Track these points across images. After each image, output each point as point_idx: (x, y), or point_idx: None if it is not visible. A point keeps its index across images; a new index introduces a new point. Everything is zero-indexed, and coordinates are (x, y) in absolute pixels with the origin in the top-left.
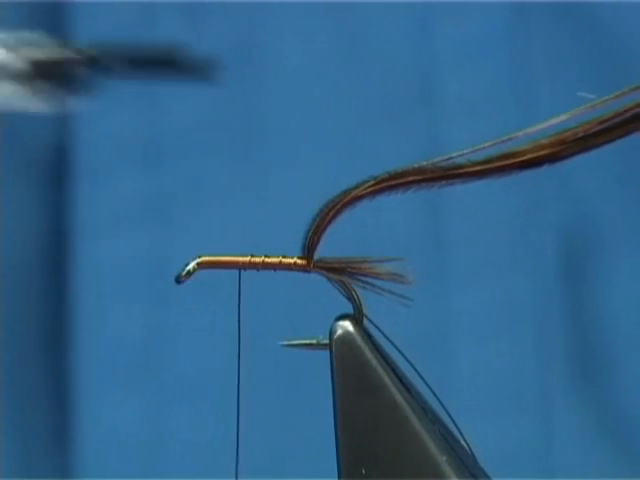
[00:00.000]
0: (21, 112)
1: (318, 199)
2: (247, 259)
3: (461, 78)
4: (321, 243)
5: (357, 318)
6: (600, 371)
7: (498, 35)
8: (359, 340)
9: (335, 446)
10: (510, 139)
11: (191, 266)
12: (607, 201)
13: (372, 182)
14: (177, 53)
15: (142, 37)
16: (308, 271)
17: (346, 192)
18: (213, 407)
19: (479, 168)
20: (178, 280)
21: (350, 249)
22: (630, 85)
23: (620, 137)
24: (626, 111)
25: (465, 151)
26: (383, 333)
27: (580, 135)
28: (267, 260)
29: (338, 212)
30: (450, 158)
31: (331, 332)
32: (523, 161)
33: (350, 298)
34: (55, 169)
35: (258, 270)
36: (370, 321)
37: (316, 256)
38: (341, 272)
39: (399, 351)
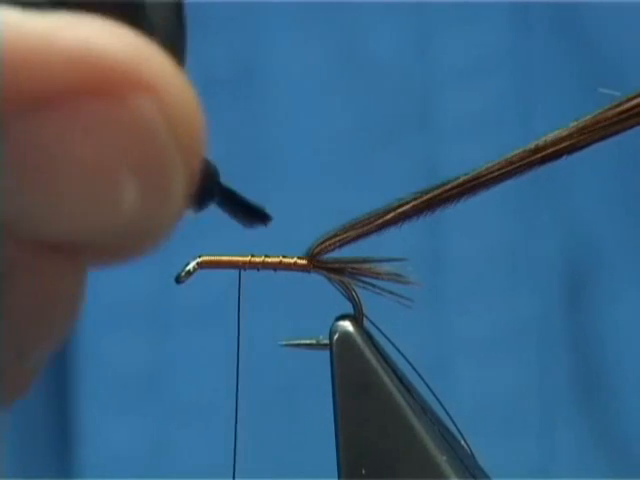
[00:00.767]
0: None
1: (314, 219)
2: (247, 259)
3: (461, 98)
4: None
5: (357, 318)
6: (603, 393)
7: (498, 55)
8: (359, 340)
9: (335, 446)
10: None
11: (191, 266)
12: (610, 222)
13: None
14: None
15: None
16: (308, 271)
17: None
18: (215, 431)
19: (501, 172)
20: (178, 280)
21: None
22: None
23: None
24: None
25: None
26: (383, 333)
27: (600, 124)
28: (267, 260)
29: (364, 234)
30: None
31: (331, 332)
32: (544, 155)
33: (350, 298)
34: None
35: (258, 270)
36: (370, 321)
37: (317, 257)
38: (341, 272)
39: (399, 351)
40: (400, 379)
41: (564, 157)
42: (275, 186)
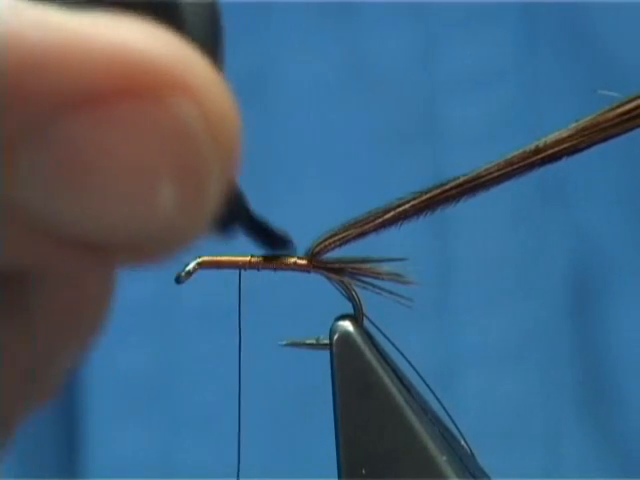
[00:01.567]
0: None
1: (319, 224)
2: (247, 259)
3: (468, 107)
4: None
5: (357, 318)
6: (608, 403)
7: (505, 63)
8: (359, 340)
9: (335, 446)
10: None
11: (191, 266)
12: (618, 232)
13: (403, 202)
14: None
15: None
16: (308, 271)
17: (376, 214)
18: (221, 438)
19: (501, 173)
20: (178, 280)
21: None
22: None
23: None
24: None
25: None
26: (383, 333)
27: (601, 126)
28: (267, 260)
29: (364, 234)
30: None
31: (331, 332)
32: (544, 157)
33: (350, 298)
34: None
35: (258, 270)
36: (370, 321)
37: (318, 257)
38: (341, 272)
39: (399, 351)
40: (400, 379)
41: (564, 158)
42: (282, 190)
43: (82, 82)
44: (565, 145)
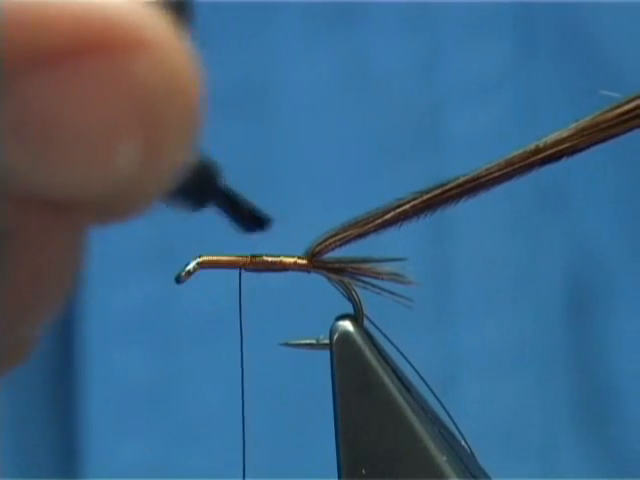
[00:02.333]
0: None
1: (320, 228)
2: (247, 259)
3: (469, 116)
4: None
5: (357, 318)
6: (606, 409)
7: (506, 72)
8: (359, 340)
9: (335, 446)
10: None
11: (191, 266)
12: (615, 240)
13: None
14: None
15: None
16: (308, 271)
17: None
18: (221, 443)
19: (501, 173)
20: (178, 280)
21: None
22: None
23: None
24: None
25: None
26: (383, 333)
27: (600, 126)
28: (267, 260)
29: (363, 234)
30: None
31: (331, 332)
32: (544, 157)
33: (350, 298)
34: None
35: (258, 270)
36: (370, 321)
37: (318, 257)
38: (341, 272)
39: (399, 351)
40: (400, 379)
41: (564, 159)
42: (281, 199)
43: (43, 40)
44: (565, 145)
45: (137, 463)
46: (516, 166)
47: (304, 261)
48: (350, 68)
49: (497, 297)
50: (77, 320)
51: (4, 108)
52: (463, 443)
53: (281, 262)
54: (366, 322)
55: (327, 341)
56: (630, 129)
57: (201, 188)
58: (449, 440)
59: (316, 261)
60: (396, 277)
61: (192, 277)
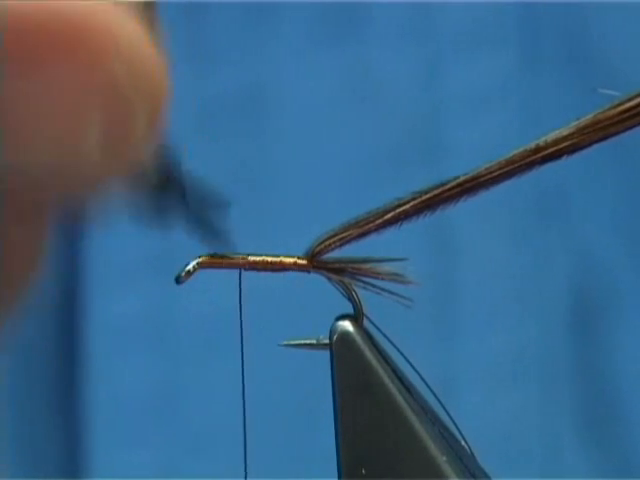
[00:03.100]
0: None
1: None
2: (247, 259)
3: (470, 127)
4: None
5: (357, 318)
6: (608, 422)
7: (507, 83)
8: (359, 340)
9: (335, 446)
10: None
11: (191, 266)
12: (619, 252)
13: (403, 202)
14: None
15: None
16: (308, 271)
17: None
18: (225, 454)
19: (501, 172)
20: (178, 280)
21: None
22: None
23: None
24: None
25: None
26: (383, 333)
27: (601, 124)
28: (267, 260)
29: (364, 234)
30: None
31: (331, 332)
32: (545, 155)
33: (350, 298)
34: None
35: (258, 270)
36: (370, 321)
37: (318, 257)
38: (341, 272)
39: (399, 351)
40: (400, 379)
41: (565, 157)
42: (283, 201)
43: (20, 41)
44: (566, 143)
45: (140, 470)
46: (516, 165)
47: (304, 261)
48: (352, 76)
49: (499, 304)
50: (79, 328)
51: None
52: (463, 443)
53: (281, 262)
54: (366, 322)
55: (327, 341)
56: (631, 127)
57: (163, 184)
58: (449, 440)
59: (316, 261)
60: (396, 277)
61: (192, 277)
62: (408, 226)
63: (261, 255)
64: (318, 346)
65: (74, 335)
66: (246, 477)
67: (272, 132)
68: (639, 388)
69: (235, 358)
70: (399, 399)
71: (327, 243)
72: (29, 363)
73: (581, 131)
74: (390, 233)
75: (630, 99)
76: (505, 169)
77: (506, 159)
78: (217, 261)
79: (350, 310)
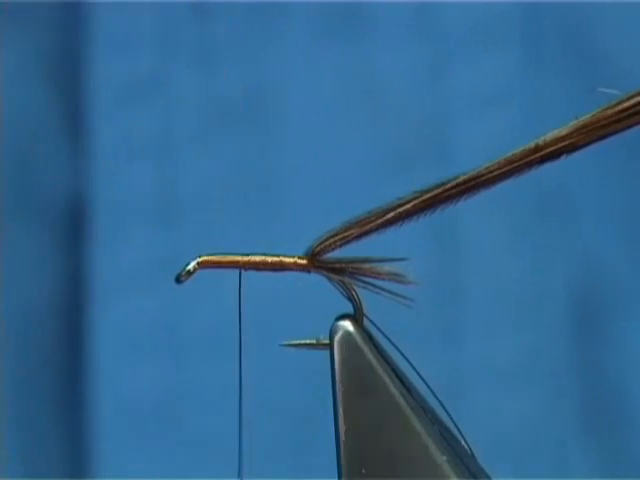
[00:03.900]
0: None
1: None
2: (247, 259)
3: (475, 128)
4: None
5: (357, 318)
6: (612, 422)
7: (512, 85)
8: (359, 340)
9: (335, 446)
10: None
11: (191, 266)
12: (620, 255)
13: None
14: None
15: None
16: (308, 271)
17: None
18: (227, 459)
19: (501, 171)
20: (178, 280)
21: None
22: None
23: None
24: None
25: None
26: (383, 333)
27: (600, 123)
28: (267, 260)
29: (364, 233)
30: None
31: (331, 332)
32: (544, 154)
33: (350, 298)
34: (70, 226)
35: (258, 270)
36: (370, 321)
37: (318, 257)
38: (341, 272)
39: (399, 351)
40: (400, 379)
41: (564, 156)
42: (284, 201)
43: None
44: (565, 143)
45: (144, 472)
46: (516, 164)
47: (304, 261)
48: (356, 77)
49: (501, 305)
50: (84, 330)
51: None
52: (463, 443)
53: (281, 262)
54: (366, 322)
55: (327, 341)
56: (630, 126)
57: None
58: (449, 440)
59: (316, 261)
60: (396, 277)
61: (192, 277)
62: (410, 226)
63: (261, 255)
64: (318, 346)
65: (79, 337)
66: (241, 477)
67: (276, 132)
68: None
69: (237, 362)
70: (399, 399)
71: (327, 243)
72: (34, 365)
73: (580, 130)
74: (391, 233)
75: (628, 98)
76: (505, 168)
77: (505, 158)
78: (217, 261)
79: (350, 310)
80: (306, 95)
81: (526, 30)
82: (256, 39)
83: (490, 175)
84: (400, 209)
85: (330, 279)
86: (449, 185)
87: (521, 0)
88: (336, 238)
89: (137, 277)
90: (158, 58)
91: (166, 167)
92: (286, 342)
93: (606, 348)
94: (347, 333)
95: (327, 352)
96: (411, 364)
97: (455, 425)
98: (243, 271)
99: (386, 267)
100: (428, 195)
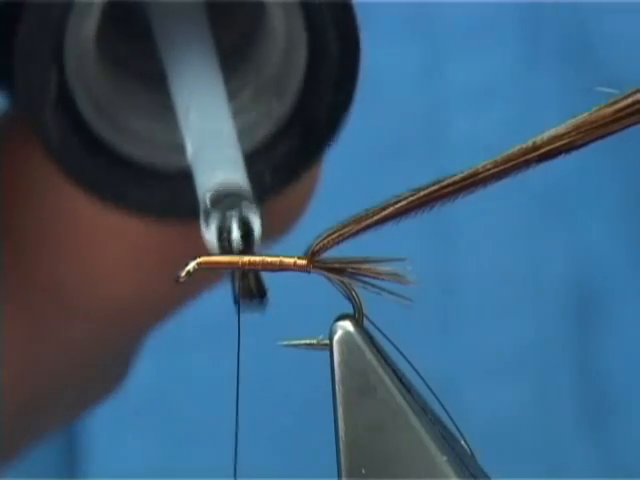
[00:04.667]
0: None
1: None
2: (247, 259)
3: (471, 122)
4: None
5: (357, 318)
6: (608, 416)
7: (509, 79)
8: (359, 340)
9: (335, 446)
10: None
11: (191, 266)
12: (618, 246)
13: (400, 199)
14: None
15: None
16: (308, 271)
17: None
18: (226, 458)
19: (498, 169)
20: (178, 280)
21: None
22: None
23: (638, 123)
24: None
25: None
26: (383, 333)
27: (598, 122)
28: (267, 260)
29: (362, 230)
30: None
31: (331, 332)
32: (542, 153)
33: (350, 298)
34: None
35: (258, 270)
36: (370, 321)
37: (318, 257)
38: (341, 272)
39: (399, 351)
40: (400, 379)
41: (562, 155)
42: None
43: None
44: (562, 142)
45: (139, 470)
46: (513, 163)
47: (304, 261)
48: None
49: (500, 303)
50: None
51: None
52: (463, 443)
53: (281, 262)
54: (366, 322)
55: (327, 341)
56: (627, 126)
57: None
58: (449, 440)
59: (316, 261)
60: (396, 277)
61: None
62: (410, 225)
63: (261, 255)
64: (318, 346)
65: None
66: (235, 476)
67: None
68: (639, 384)
69: (236, 358)
70: (399, 399)
71: (326, 241)
72: None
73: (577, 129)
74: (391, 233)
75: (625, 97)
76: (502, 167)
77: (502, 157)
78: (216, 261)
79: (350, 310)
80: None
81: (523, 28)
82: None
83: (487, 173)
84: (396, 206)
85: (330, 279)
86: (445, 183)
87: None
88: (334, 236)
89: None
90: None
91: None
92: (286, 342)
93: (603, 343)
94: (347, 333)
95: (327, 352)
96: (411, 364)
97: (455, 425)
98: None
99: (386, 267)
100: (424, 192)
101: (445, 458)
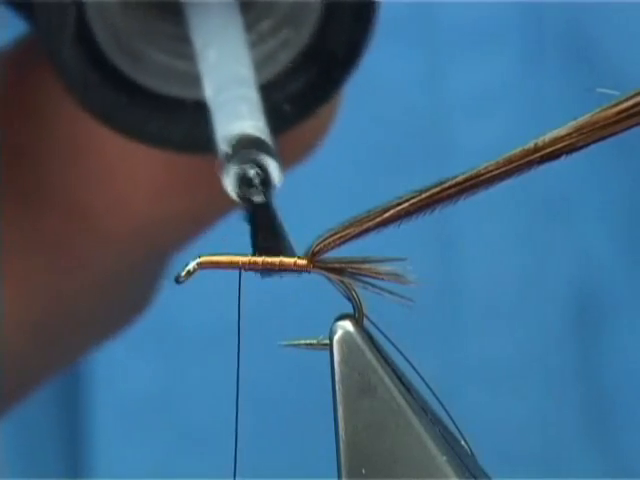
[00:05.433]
0: None
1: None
2: (247, 259)
3: (474, 125)
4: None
5: (357, 318)
6: (610, 421)
7: (511, 84)
8: (359, 340)
9: (335, 446)
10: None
11: (191, 266)
12: (619, 252)
13: (402, 201)
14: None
15: None
16: (308, 271)
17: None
18: (226, 459)
19: (500, 171)
20: (178, 280)
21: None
22: None
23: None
24: None
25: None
26: (383, 333)
27: (599, 123)
28: (267, 260)
29: (363, 232)
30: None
31: (331, 332)
32: (543, 155)
33: (350, 298)
34: None
35: (258, 270)
36: (370, 321)
37: (318, 257)
38: (341, 272)
39: (399, 351)
40: (400, 379)
41: (563, 157)
42: (285, 200)
43: None
44: (564, 143)
45: (141, 470)
46: (515, 164)
47: (304, 261)
48: (355, 76)
49: (501, 304)
50: None
51: None
52: (463, 443)
53: (281, 262)
54: (366, 322)
55: (327, 341)
56: (629, 127)
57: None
58: (449, 440)
59: (316, 261)
60: (396, 277)
61: (192, 277)
62: (411, 226)
63: (261, 255)
64: (318, 346)
65: None
66: (235, 477)
67: None
68: None
69: (236, 358)
70: (399, 399)
71: (327, 242)
72: None
73: (579, 131)
74: (392, 233)
75: (627, 99)
76: (503, 169)
77: (504, 159)
78: (217, 261)
79: (350, 310)
80: None
81: (525, 30)
82: None
83: (489, 175)
84: (398, 208)
85: (330, 279)
86: (447, 185)
87: (520, 0)
88: (335, 237)
89: None
90: None
91: None
92: (286, 342)
93: (605, 348)
94: (347, 333)
95: (327, 352)
96: (411, 364)
97: (455, 425)
98: (243, 271)
99: (386, 267)
100: (426, 194)
101: (445, 458)
